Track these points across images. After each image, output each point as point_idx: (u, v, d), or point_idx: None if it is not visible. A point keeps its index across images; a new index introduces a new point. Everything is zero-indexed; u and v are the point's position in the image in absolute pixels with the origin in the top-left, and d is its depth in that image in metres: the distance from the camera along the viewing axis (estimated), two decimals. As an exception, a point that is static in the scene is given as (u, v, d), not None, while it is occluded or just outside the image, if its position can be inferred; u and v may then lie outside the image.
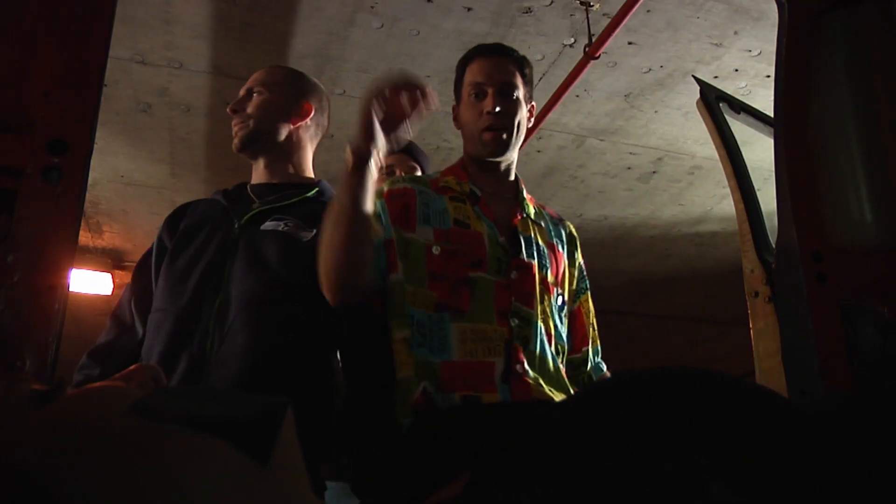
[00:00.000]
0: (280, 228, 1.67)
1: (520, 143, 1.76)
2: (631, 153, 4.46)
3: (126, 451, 0.44)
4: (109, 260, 5.74)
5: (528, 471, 0.49)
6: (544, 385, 1.51)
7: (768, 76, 3.61)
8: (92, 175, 1.12)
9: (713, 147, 2.06)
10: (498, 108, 1.67)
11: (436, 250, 1.60)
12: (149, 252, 1.78)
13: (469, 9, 3.17)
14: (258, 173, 1.83)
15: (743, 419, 0.49)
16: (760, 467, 0.45)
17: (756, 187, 1.93)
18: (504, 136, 1.69)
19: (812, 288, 1.41)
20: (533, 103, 1.82)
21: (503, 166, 1.75)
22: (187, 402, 0.51)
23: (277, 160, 1.83)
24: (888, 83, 1.62)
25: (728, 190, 2.00)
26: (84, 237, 5.46)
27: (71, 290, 1.11)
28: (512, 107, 1.71)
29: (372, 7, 3.11)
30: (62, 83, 1.06)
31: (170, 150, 4.32)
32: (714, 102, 1.94)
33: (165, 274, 1.66)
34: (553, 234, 1.77)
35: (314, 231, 1.66)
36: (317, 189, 1.80)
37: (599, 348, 1.83)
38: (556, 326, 1.64)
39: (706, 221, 5.33)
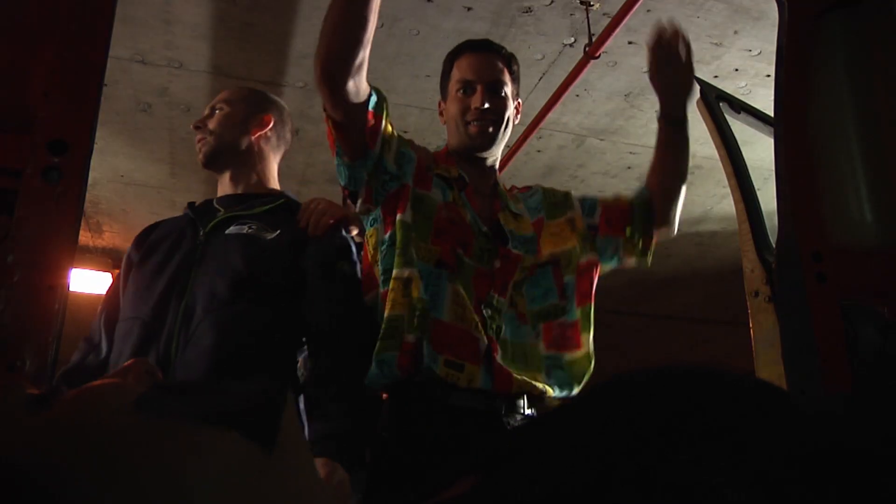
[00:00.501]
0: (244, 231, 1.71)
1: (505, 140, 1.78)
2: (631, 153, 4.46)
3: (131, 448, 0.44)
4: (109, 260, 5.74)
5: (529, 471, 0.49)
6: (523, 373, 1.54)
7: (768, 76, 3.61)
8: (92, 175, 1.12)
9: (713, 147, 2.06)
10: (487, 105, 1.69)
11: (444, 213, 1.65)
12: (119, 275, 1.82)
13: (469, 8, 3.17)
14: (223, 186, 1.88)
15: (747, 417, 0.48)
16: (767, 466, 0.45)
17: (756, 187, 1.92)
18: (490, 129, 1.71)
19: (812, 288, 1.41)
20: (519, 100, 1.84)
21: (488, 161, 1.77)
22: (188, 396, 0.51)
23: (240, 171, 1.88)
24: (888, 83, 1.62)
25: (728, 190, 2.00)
26: (84, 237, 5.46)
27: (71, 290, 1.10)
28: (500, 103, 1.72)
29: (372, 7, 3.11)
30: (62, 83, 1.06)
31: (170, 150, 4.32)
32: (714, 102, 1.94)
33: (131, 284, 1.71)
34: (532, 210, 1.80)
35: (277, 231, 1.71)
36: (282, 200, 1.84)
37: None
38: (530, 297, 1.66)
39: (706, 221, 5.33)
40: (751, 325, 1.73)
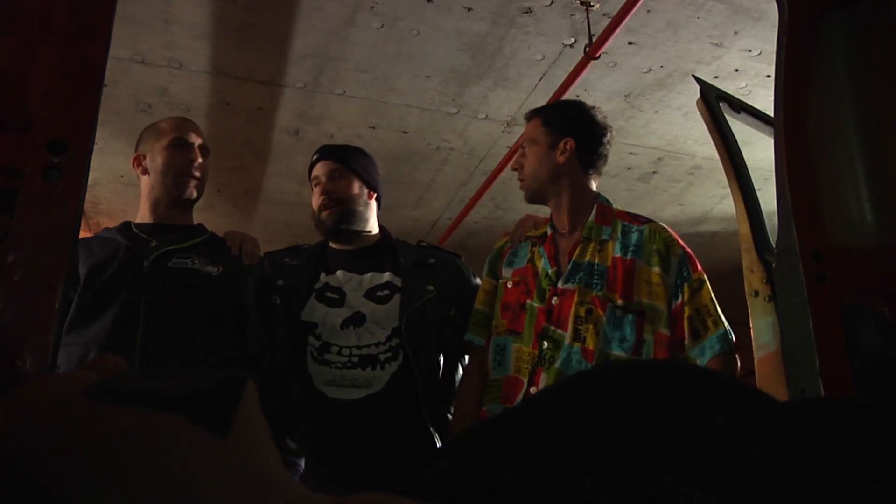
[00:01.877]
0: (188, 266, 1.89)
1: (544, 185, 1.99)
2: (631, 153, 4.46)
3: (80, 433, 0.43)
4: (109, 260, 5.74)
5: (500, 458, 0.48)
6: None
7: (768, 76, 3.61)
8: (92, 175, 1.12)
9: (713, 147, 2.06)
10: (514, 168, 2.03)
11: (509, 284, 1.95)
12: None
13: (469, 9, 3.17)
14: (144, 214, 2.07)
15: (718, 418, 0.47)
16: (736, 473, 0.44)
17: (756, 187, 1.92)
18: (521, 186, 2.02)
19: (812, 288, 1.41)
20: (568, 138, 1.97)
21: (554, 206, 1.99)
22: (142, 381, 0.50)
23: (145, 204, 2.07)
24: (888, 83, 1.62)
25: (728, 190, 2.00)
26: (84, 237, 5.45)
27: (71, 289, 1.10)
28: (523, 162, 2.00)
29: (372, 7, 3.11)
30: (62, 83, 1.05)
31: (170, 150, 4.32)
32: (714, 102, 1.94)
33: (75, 311, 1.78)
34: (621, 244, 1.89)
35: (220, 267, 1.91)
36: (209, 234, 2.06)
37: (708, 333, 1.82)
38: (605, 337, 1.78)
39: (706, 221, 5.33)
40: (751, 326, 1.73)
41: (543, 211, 2.07)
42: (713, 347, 1.78)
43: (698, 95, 1.97)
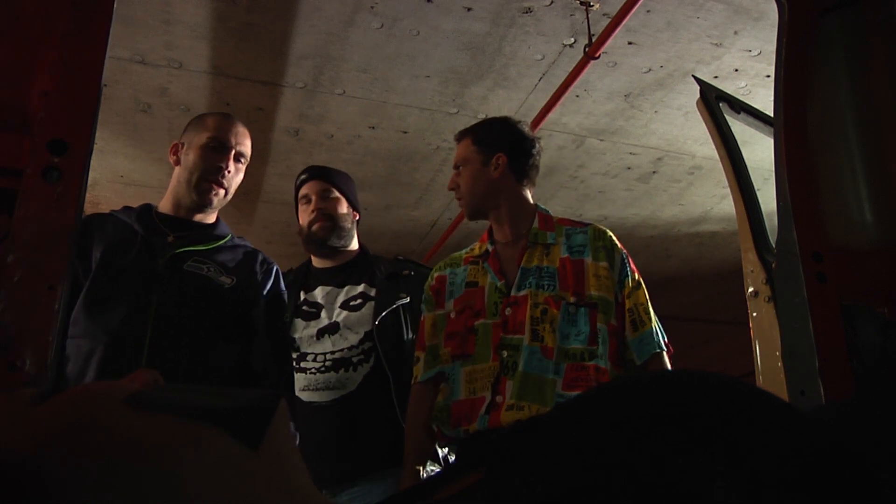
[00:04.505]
0: (203, 272, 1.85)
1: (482, 200, 2.05)
2: (631, 153, 4.45)
3: (117, 438, 0.45)
4: (109, 260, 5.73)
5: (529, 471, 0.50)
6: (524, 407, 1.77)
7: (768, 76, 3.61)
8: (92, 175, 1.12)
9: (713, 147, 2.06)
10: (450, 188, 2.09)
11: (452, 315, 1.97)
12: None
13: (469, 9, 3.17)
14: (167, 204, 1.97)
15: (745, 420, 0.49)
16: (765, 469, 0.45)
17: (756, 187, 1.92)
18: (460, 204, 2.08)
19: (812, 288, 1.41)
20: (499, 153, 2.04)
21: (495, 219, 2.05)
22: (180, 395, 0.52)
23: (170, 194, 1.98)
24: (888, 83, 1.62)
25: (728, 190, 2.00)
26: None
27: (71, 290, 1.10)
28: (459, 182, 2.06)
29: (372, 7, 3.11)
30: (62, 83, 1.06)
31: (170, 151, 4.32)
32: (714, 102, 1.94)
33: (84, 300, 1.72)
34: (567, 246, 1.96)
35: (233, 279, 1.87)
36: (228, 237, 1.98)
37: (644, 327, 1.95)
38: (563, 333, 1.83)
39: (706, 221, 5.33)
40: (751, 325, 1.73)
41: (481, 228, 2.17)
42: (651, 344, 1.91)
43: (698, 95, 1.97)
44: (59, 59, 1.07)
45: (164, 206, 1.95)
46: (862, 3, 1.59)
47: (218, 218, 2.01)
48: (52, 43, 1.08)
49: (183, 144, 1.96)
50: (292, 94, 3.78)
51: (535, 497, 0.46)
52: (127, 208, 1.93)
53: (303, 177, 2.43)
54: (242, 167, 1.99)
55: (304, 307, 2.28)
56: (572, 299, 1.87)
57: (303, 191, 2.40)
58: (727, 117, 1.97)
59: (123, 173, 4.61)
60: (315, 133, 4.12)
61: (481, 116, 4.04)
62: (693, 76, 2.22)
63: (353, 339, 2.18)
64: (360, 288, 2.27)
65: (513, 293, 1.90)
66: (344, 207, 2.35)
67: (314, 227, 2.30)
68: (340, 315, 2.22)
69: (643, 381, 0.53)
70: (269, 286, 1.96)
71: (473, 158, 2.04)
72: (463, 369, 1.87)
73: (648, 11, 3.19)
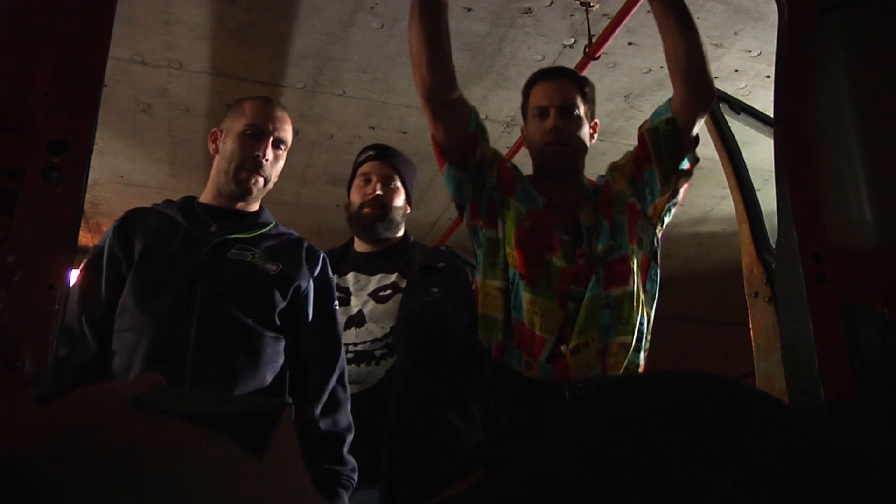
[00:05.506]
0: (248, 259, 1.79)
1: (584, 156, 1.96)
2: (631, 153, 4.46)
3: (119, 440, 0.45)
4: (109, 260, 5.73)
5: (532, 469, 0.50)
6: (588, 344, 1.75)
7: (768, 76, 3.61)
8: (92, 175, 1.12)
9: (713, 147, 2.06)
10: (559, 127, 1.88)
11: (527, 224, 1.86)
12: (91, 262, 1.78)
13: (469, 9, 3.17)
14: (209, 195, 1.93)
15: (743, 418, 0.50)
16: (762, 463, 0.46)
17: (756, 187, 1.93)
18: (567, 149, 1.90)
19: (812, 288, 1.41)
20: (596, 120, 2.00)
21: (570, 177, 1.94)
22: (185, 399, 0.53)
23: (211, 184, 1.93)
24: (888, 83, 1.62)
25: (728, 190, 2.00)
26: (84, 237, 5.46)
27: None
28: (572, 124, 1.90)
29: (372, 7, 3.11)
30: (62, 83, 1.06)
31: (170, 151, 4.32)
32: (714, 103, 1.94)
33: (127, 291, 1.70)
34: (615, 199, 1.91)
35: (279, 265, 1.81)
36: (273, 224, 1.93)
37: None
38: (601, 242, 1.83)
39: (706, 222, 5.33)
40: (751, 326, 1.73)
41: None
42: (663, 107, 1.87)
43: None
44: (59, 59, 1.07)
45: (206, 196, 1.91)
46: (862, 3, 1.59)
47: (261, 206, 1.96)
48: (52, 43, 1.08)
49: (222, 132, 1.91)
50: (292, 95, 3.78)
51: (538, 494, 0.46)
52: (168, 201, 1.89)
53: (370, 153, 2.33)
54: (283, 153, 1.93)
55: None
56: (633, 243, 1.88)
57: (365, 168, 2.30)
58: (727, 118, 1.97)
59: (123, 173, 4.61)
60: (315, 133, 4.12)
61: (481, 117, 4.03)
62: (693, 76, 2.22)
63: (378, 331, 2.10)
64: (392, 278, 2.17)
65: (583, 247, 1.85)
66: (400, 200, 2.28)
67: (365, 210, 2.22)
68: (367, 305, 2.15)
69: (647, 382, 0.53)
70: (316, 273, 1.89)
71: (585, 112, 1.96)
72: (526, 294, 1.80)
73: (648, 12, 3.19)
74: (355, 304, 2.15)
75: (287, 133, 1.94)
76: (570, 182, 1.95)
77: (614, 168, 1.98)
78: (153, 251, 1.73)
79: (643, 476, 0.45)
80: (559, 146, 1.88)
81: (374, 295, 2.15)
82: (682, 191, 1.87)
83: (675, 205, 1.88)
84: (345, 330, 2.07)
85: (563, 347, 1.74)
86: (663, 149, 1.83)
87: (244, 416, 0.51)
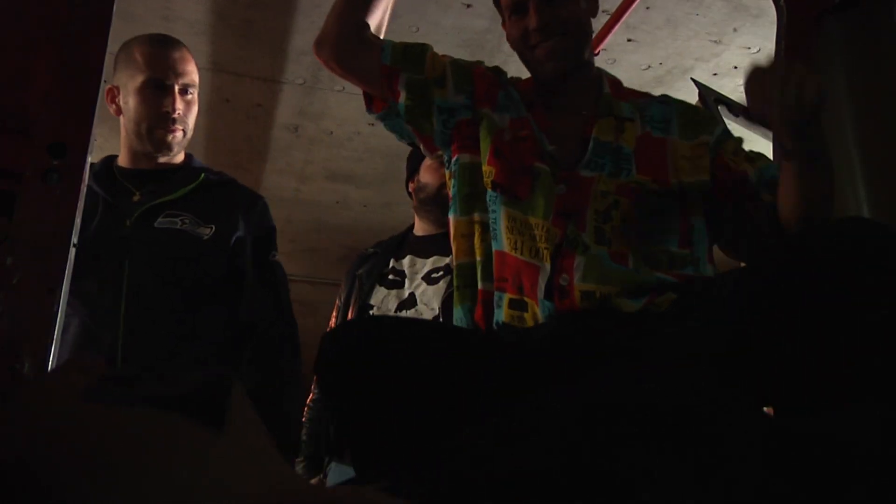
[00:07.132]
0: (177, 226, 1.64)
1: (587, 45, 1.50)
2: (630, 150, 4.46)
3: (82, 434, 0.45)
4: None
5: (511, 455, 0.51)
6: (609, 295, 1.26)
7: (768, 74, 3.60)
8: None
9: (712, 147, 2.06)
10: (543, 22, 1.43)
11: (506, 134, 1.45)
12: None
13: (468, 5, 3.16)
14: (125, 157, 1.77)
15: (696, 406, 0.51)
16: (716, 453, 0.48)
17: (755, 187, 1.92)
18: (562, 45, 1.44)
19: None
20: None
21: (575, 78, 1.50)
22: (132, 385, 0.52)
23: (124, 146, 1.77)
24: (888, 83, 1.62)
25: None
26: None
27: (70, 291, 1.11)
28: (560, 10, 1.43)
29: (371, 4, 3.10)
30: (62, 85, 1.06)
31: (169, 147, 4.32)
32: (713, 105, 1.95)
33: None
34: (655, 122, 1.45)
35: (212, 227, 1.65)
36: (203, 175, 1.75)
37: (759, 161, 1.45)
38: (641, 231, 1.35)
39: (705, 218, 5.34)
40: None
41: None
42: (772, 166, 1.42)
43: (697, 97, 1.98)
44: (58, 61, 1.07)
45: (123, 160, 1.77)
46: (861, 4, 1.59)
47: (188, 155, 1.82)
48: (52, 44, 1.08)
49: (118, 88, 1.74)
50: (292, 91, 3.77)
51: (509, 478, 0.47)
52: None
53: None
54: (193, 97, 1.76)
55: (390, 276, 2.15)
56: (654, 187, 1.36)
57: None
58: (726, 120, 1.97)
59: (123, 169, 4.61)
60: (314, 130, 4.12)
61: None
62: (692, 79, 2.23)
63: (427, 312, 2.02)
64: (447, 260, 2.10)
65: (579, 169, 1.38)
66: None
67: (444, 192, 2.04)
68: (419, 287, 2.11)
69: (607, 379, 0.55)
70: (255, 223, 1.74)
71: None
72: (505, 209, 1.37)
73: (647, 8, 3.19)
74: (408, 288, 2.13)
75: (192, 74, 1.75)
76: (578, 81, 1.50)
77: (686, 124, 1.45)
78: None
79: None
80: (550, 45, 1.44)
81: (426, 277, 2.13)
82: None
83: None
84: (397, 313, 2.03)
85: (563, 278, 1.28)
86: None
87: (194, 392, 0.50)
